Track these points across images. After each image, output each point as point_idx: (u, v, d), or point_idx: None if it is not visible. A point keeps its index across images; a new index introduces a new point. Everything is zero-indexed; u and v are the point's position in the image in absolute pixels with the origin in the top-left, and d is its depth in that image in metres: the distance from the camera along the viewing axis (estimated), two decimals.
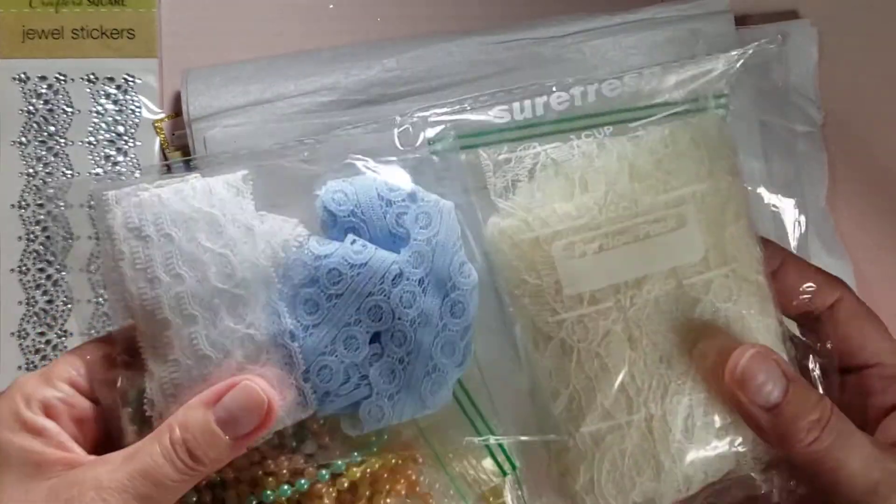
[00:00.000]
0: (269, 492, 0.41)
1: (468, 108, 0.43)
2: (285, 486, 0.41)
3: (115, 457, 0.38)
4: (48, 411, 0.39)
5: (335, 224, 0.40)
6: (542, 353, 0.41)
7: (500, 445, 0.43)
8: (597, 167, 0.41)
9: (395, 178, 0.41)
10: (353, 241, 0.39)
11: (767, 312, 0.42)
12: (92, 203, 0.41)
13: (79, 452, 0.39)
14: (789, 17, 0.63)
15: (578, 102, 0.43)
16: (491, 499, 0.43)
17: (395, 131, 0.42)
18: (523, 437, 0.42)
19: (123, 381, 0.40)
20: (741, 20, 0.61)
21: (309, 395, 0.39)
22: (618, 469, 0.41)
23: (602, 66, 0.59)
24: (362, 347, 0.39)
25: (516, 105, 0.43)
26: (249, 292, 0.38)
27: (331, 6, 0.63)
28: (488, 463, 0.43)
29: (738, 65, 0.43)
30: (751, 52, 0.43)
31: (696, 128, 0.42)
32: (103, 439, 0.41)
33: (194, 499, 0.41)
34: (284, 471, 0.41)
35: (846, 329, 0.44)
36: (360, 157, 0.41)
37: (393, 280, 0.39)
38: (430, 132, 0.42)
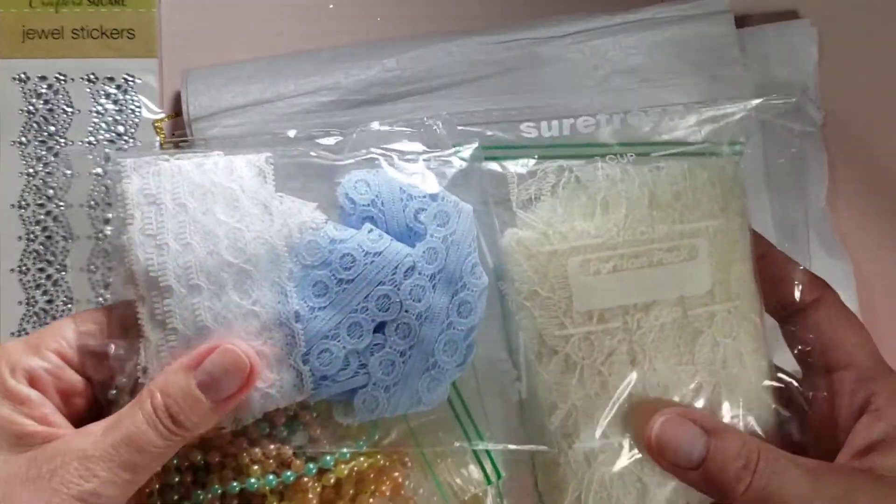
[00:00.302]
0: (253, 480, 0.40)
1: (496, 119, 0.43)
2: (271, 476, 0.41)
3: (96, 426, 0.37)
4: (33, 382, 0.39)
5: (354, 212, 0.40)
6: (545, 366, 0.41)
7: (488, 453, 0.42)
8: (619, 191, 0.42)
9: (418, 174, 0.41)
10: (371, 230, 0.39)
11: (761, 354, 0.43)
12: (106, 169, 0.41)
13: (62, 424, 0.38)
14: (789, 17, 0.63)
15: (604, 126, 0.44)
16: None
17: (421, 131, 0.42)
18: (513, 447, 0.42)
19: (116, 354, 0.39)
20: (741, 20, 0.61)
21: (306, 378, 0.39)
22: (605, 489, 0.41)
23: (602, 66, 0.59)
24: (366, 335, 0.39)
25: (544, 123, 0.44)
26: (259, 269, 0.38)
27: (331, 6, 0.63)
28: (474, 470, 0.43)
29: (755, 113, 0.45)
30: (771, 102, 0.45)
31: (713, 167, 0.43)
32: (90, 414, 0.40)
33: (176, 479, 0.41)
34: (271, 460, 0.41)
35: (822, 328, 0.44)
36: (383, 151, 0.42)
37: (405, 272, 0.39)
38: (457, 138, 0.42)
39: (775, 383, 0.43)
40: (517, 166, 0.42)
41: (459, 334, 0.40)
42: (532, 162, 0.42)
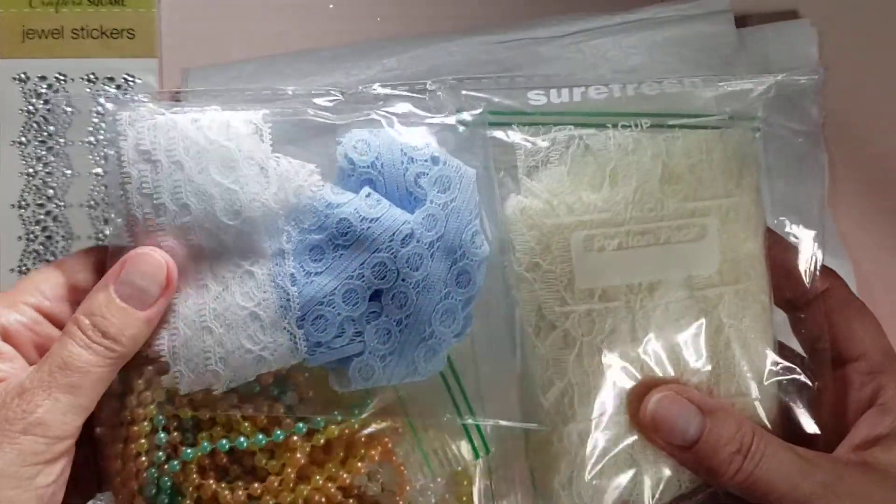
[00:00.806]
0: (242, 438, 0.40)
1: (504, 87, 0.42)
2: (260, 436, 0.40)
3: (34, 365, 0.37)
4: (8, 336, 0.38)
5: (353, 174, 0.39)
6: (543, 341, 0.41)
7: (478, 429, 0.42)
8: (630, 161, 0.41)
9: (420, 137, 0.40)
10: (369, 195, 0.38)
11: (767, 337, 0.42)
12: (104, 128, 0.40)
13: None
14: (789, 17, 0.63)
15: (617, 94, 0.42)
16: (465, 482, 0.43)
17: (426, 95, 0.41)
18: (504, 423, 0.41)
19: None
20: (741, 20, 0.61)
21: (300, 342, 0.38)
22: (598, 469, 0.41)
23: (602, 66, 0.59)
24: (361, 303, 0.38)
25: (553, 91, 0.42)
26: (256, 231, 0.38)
27: (331, 6, 0.63)
28: (463, 443, 0.43)
29: (773, 90, 0.44)
30: (786, 78, 0.44)
31: (729, 141, 0.42)
32: None
33: (165, 440, 0.40)
34: (263, 417, 0.40)
35: (832, 318, 0.43)
36: (385, 113, 0.41)
37: (403, 240, 0.38)
38: (461, 103, 0.41)
39: (780, 370, 0.42)
40: (524, 132, 0.41)
41: (457, 304, 0.39)
42: (540, 129, 0.41)
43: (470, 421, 0.41)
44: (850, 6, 0.63)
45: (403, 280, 0.38)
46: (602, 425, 0.41)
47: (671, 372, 0.41)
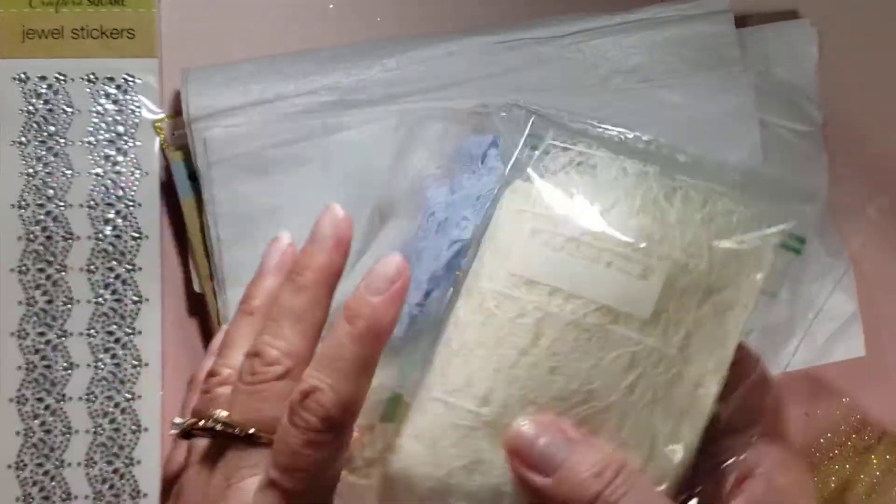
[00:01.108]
0: None
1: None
2: None
3: None
4: None
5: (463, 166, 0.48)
6: (465, 303, 0.41)
7: (394, 400, 0.41)
8: (624, 184, 0.40)
9: (485, 143, 0.48)
10: (451, 186, 0.47)
11: (690, 425, 0.39)
12: None
13: None
14: (789, 17, 0.63)
15: (652, 148, 0.42)
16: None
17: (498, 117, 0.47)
18: (403, 395, 0.41)
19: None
20: (741, 20, 0.62)
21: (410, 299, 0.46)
22: (442, 442, 0.39)
23: (602, 66, 0.59)
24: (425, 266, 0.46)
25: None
26: (417, 206, 0.48)
27: (331, 6, 0.63)
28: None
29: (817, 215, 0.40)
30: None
31: (745, 220, 0.40)
32: None
33: None
34: None
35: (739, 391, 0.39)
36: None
37: (430, 216, 0.46)
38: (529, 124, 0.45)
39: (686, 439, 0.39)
40: (551, 139, 0.43)
41: (425, 275, 0.44)
42: (566, 139, 0.43)
43: (394, 387, 0.41)
44: (850, 6, 0.64)
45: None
46: (469, 401, 0.39)
47: (560, 384, 0.39)
